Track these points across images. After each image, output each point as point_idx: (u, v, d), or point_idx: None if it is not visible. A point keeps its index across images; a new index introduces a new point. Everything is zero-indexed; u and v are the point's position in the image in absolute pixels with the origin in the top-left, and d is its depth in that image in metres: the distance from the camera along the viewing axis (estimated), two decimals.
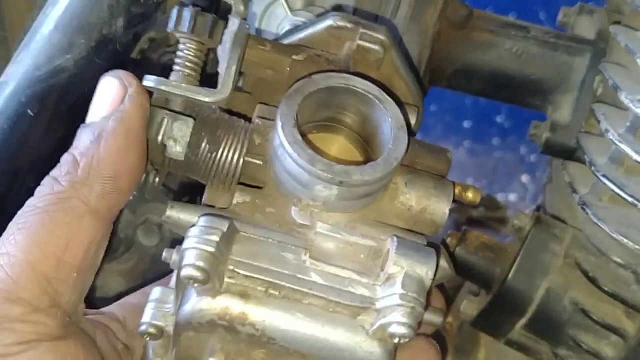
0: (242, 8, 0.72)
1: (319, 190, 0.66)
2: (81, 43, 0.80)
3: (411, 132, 0.75)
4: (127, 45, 0.83)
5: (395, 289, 0.63)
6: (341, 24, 0.78)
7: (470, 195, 0.76)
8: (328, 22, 0.78)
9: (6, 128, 0.81)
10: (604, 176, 0.86)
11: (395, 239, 0.66)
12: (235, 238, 0.65)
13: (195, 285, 0.62)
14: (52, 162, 0.82)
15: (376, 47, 0.77)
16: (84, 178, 0.61)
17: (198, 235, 0.62)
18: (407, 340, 0.63)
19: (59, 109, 0.82)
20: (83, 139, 0.63)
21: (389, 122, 0.69)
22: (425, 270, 0.64)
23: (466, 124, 2.56)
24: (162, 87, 0.68)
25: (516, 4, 2.13)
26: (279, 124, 0.66)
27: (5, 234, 0.61)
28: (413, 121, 0.78)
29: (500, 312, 1.00)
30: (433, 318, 0.71)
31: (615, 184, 0.85)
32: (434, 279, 0.65)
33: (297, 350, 0.64)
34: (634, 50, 0.84)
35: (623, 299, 0.92)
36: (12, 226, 0.61)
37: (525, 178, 2.48)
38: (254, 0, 0.91)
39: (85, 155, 0.62)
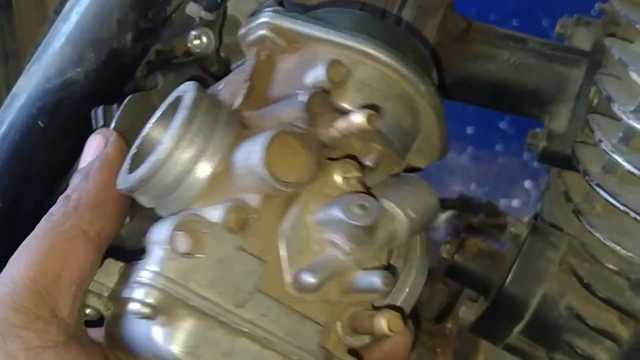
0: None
1: None
2: (91, 56, 0.82)
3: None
4: (135, 58, 0.85)
5: None
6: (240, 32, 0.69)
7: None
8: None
9: (17, 139, 0.84)
10: (598, 185, 0.88)
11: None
12: None
13: None
14: (63, 171, 0.85)
15: (261, 32, 0.66)
16: (74, 208, 0.66)
17: None
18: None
19: (69, 120, 0.84)
20: (74, 179, 0.69)
21: None
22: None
23: (469, 130, 2.56)
24: None
25: (518, 10, 2.14)
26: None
27: (11, 259, 0.65)
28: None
29: (497, 318, 1.01)
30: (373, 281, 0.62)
31: (608, 193, 0.87)
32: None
33: None
34: (627, 63, 0.86)
35: (617, 304, 0.94)
36: (17, 251, 0.66)
37: (528, 184, 2.48)
38: None
39: (75, 191, 0.68)
